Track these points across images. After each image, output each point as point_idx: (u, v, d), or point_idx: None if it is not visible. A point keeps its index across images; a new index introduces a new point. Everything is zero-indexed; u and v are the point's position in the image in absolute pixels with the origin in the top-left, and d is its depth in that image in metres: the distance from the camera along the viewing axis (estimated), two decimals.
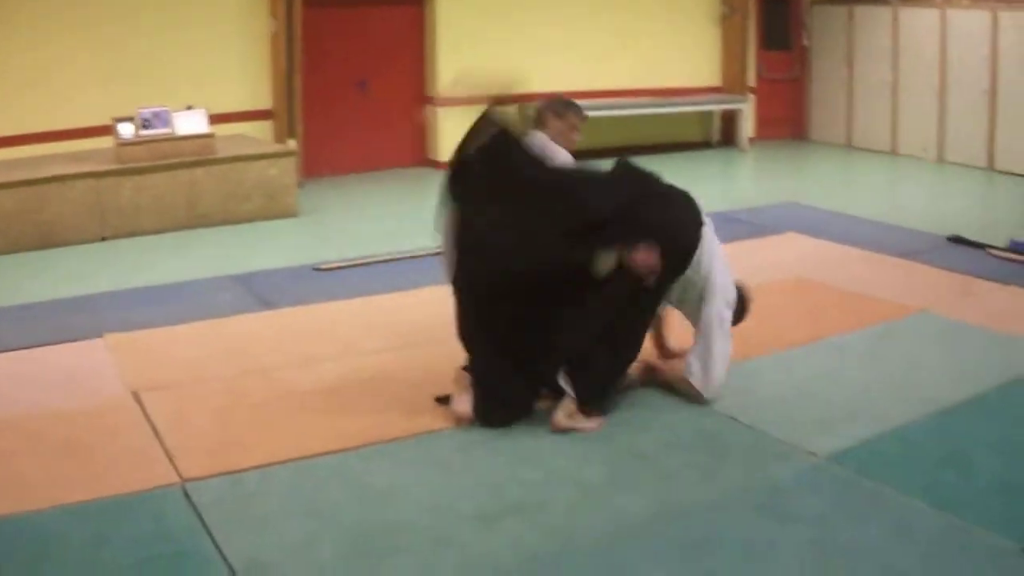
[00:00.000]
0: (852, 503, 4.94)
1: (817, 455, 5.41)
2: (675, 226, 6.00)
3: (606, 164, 6.23)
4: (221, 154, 11.24)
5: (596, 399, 5.92)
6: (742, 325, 6.69)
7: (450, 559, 4.47)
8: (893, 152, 16.50)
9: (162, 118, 10.99)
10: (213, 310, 7.96)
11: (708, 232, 6.10)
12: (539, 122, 6.59)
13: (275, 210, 11.40)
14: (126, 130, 10.81)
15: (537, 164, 5.98)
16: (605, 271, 5.70)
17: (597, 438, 5.65)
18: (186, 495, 4.96)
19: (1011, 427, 5.82)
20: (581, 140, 6.65)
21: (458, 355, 6.05)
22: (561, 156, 6.37)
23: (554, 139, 6.48)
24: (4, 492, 5.03)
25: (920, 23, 16.03)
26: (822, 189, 13.51)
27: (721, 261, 6.16)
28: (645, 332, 6.25)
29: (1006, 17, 14.78)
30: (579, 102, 6.75)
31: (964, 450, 5.50)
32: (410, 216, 11.64)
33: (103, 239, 10.48)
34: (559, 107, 6.66)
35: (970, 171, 15.06)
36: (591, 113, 13.13)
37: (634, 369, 6.33)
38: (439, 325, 6.93)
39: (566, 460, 5.38)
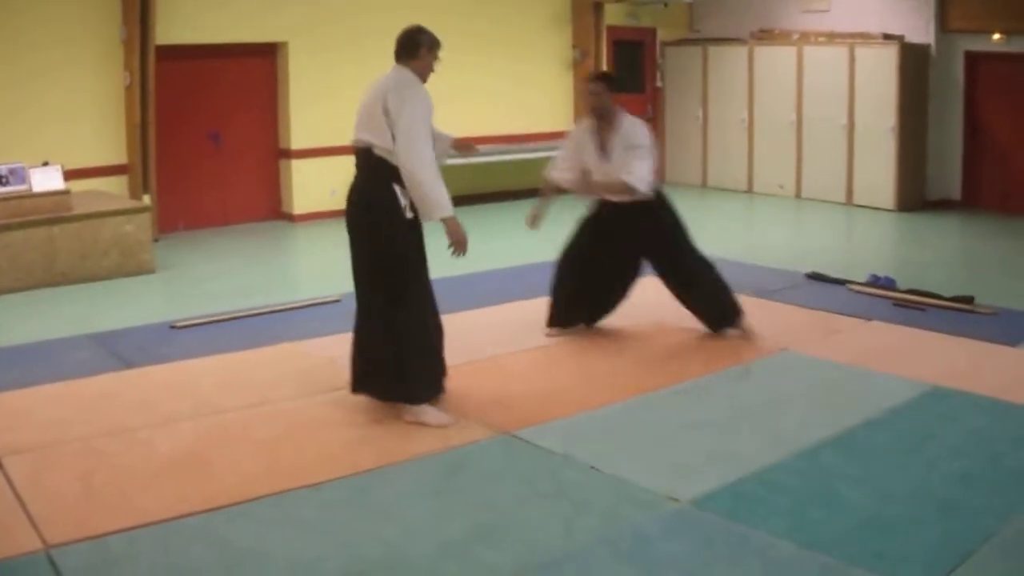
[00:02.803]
0: (719, 548, 4.98)
1: (680, 501, 5.47)
2: None
3: None
4: (77, 210, 11.16)
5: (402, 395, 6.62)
6: (600, 370, 6.98)
7: None
8: (749, 190, 16.90)
9: (18, 175, 10.89)
10: (72, 370, 7.89)
11: None
12: (411, 54, 6.76)
13: (132, 267, 11.36)
14: None
15: None
16: None
17: (455, 492, 5.68)
18: (51, 562, 4.90)
19: (875, 462, 5.96)
20: None
21: (315, 411, 6.33)
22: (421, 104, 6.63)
23: (420, 73, 6.75)
24: None
25: (776, 61, 16.49)
26: None
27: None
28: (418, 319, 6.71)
29: (863, 53, 15.27)
30: None
31: (830, 488, 5.61)
32: (265, 271, 11.72)
33: None
34: (433, 41, 6.84)
35: (828, 206, 15.48)
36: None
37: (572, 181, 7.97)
38: (296, 382, 7.11)
39: (424, 515, 5.40)
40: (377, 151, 6.52)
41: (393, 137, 6.45)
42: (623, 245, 8.35)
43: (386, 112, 6.45)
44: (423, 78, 6.74)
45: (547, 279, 8.43)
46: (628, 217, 8.23)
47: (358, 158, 6.69)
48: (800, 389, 7.28)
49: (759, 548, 4.97)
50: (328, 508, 5.51)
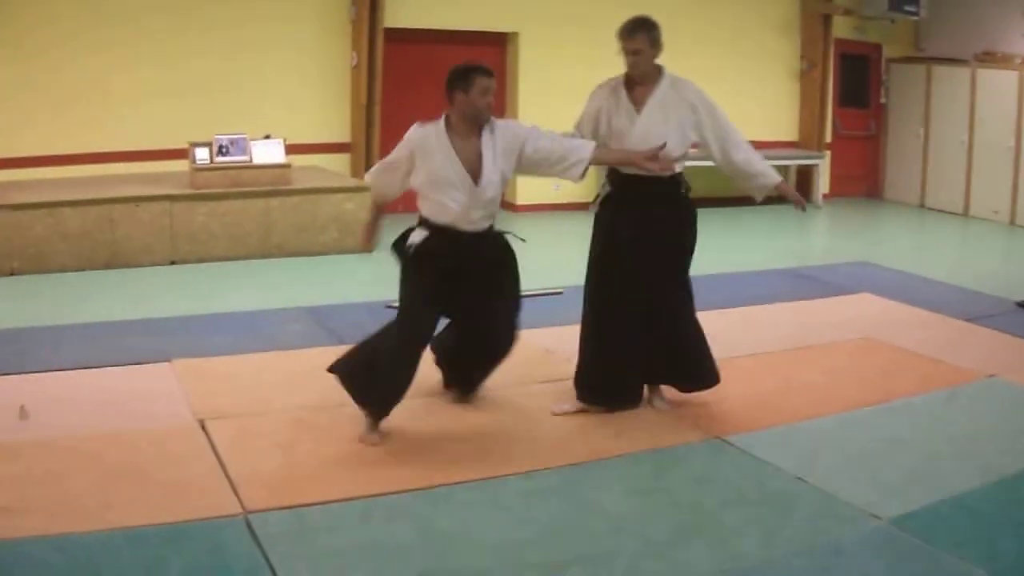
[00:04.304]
0: (914, 568, 4.88)
1: (881, 519, 5.34)
2: None
3: None
4: (297, 185, 11.29)
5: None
6: (812, 382, 7.09)
7: None
8: (965, 214, 16.35)
9: (239, 145, 11.04)
10: (283, 341, 7.95)
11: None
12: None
13: (349, 244, 11.34)
14: (202, 155, 10.87)
15: None
16: None
17: (662, 491, 5.61)
18: (249, 526, 4.92)
19: None
20: None
21: (529, 400, 6.33)
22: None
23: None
24: (59, 512, 5.01)
25: (997, 84, 15.95)
26: (895, 249, 13.48)
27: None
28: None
29: None
30: None
31: None
32: None
33: (172, 263, 10.53)
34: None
35: None
36: None
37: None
38: (511, 371, 6.94)
39: (630, 512, 5.34)
40: None
41: None
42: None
43: None
44: None
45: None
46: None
47: None
48: (1004, 417, 7.07)
49: (952, 573, 4.85)
50: (536, 497, 5.46)
